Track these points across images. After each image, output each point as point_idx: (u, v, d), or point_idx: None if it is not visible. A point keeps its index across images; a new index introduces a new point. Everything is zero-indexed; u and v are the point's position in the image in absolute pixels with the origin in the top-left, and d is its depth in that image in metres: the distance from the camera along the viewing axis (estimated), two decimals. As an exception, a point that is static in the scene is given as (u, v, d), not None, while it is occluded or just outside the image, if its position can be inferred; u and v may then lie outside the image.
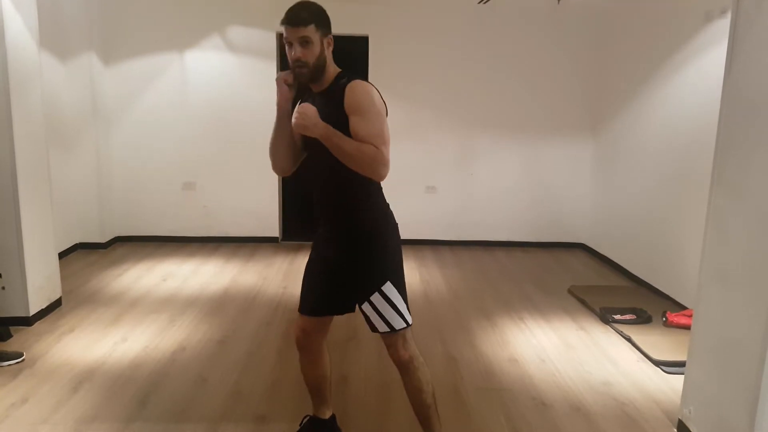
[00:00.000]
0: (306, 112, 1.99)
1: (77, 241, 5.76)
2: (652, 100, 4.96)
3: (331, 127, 2.01)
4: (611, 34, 5.82)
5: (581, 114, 6.22)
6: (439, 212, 6.30)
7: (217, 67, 5.95)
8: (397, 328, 2.18)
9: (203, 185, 6.16)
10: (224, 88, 5.99)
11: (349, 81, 2.09)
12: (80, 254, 5.63)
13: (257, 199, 6.24)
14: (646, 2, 5.09)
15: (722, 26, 3.92)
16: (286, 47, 2.07)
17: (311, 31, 2.04)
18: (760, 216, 2.21)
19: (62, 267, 4.47)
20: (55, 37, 5.27)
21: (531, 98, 6.18)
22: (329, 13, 2.15)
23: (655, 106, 4.90)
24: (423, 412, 2.30)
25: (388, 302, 2.18)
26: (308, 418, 2.56)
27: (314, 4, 2.11)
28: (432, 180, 6.29)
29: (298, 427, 2.58)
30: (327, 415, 2.54)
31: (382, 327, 2.19)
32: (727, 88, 2.47)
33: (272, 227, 6.30)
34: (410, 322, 2.23)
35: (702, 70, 4.23)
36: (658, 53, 4.83)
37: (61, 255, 5.26)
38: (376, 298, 2.17)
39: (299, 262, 5.53)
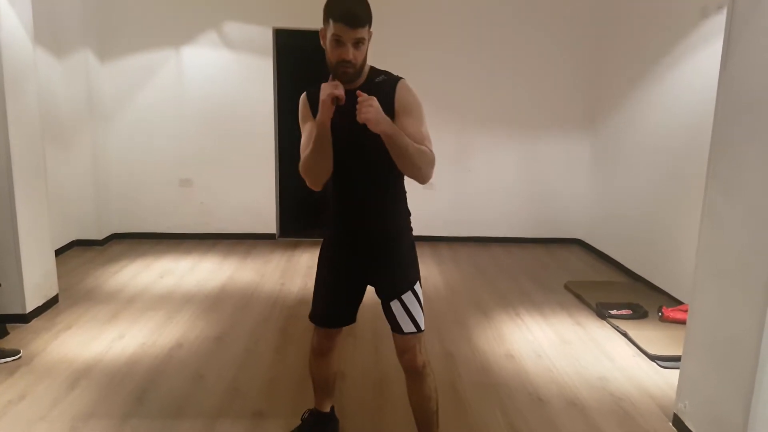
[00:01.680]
0: (375, 104, 1.82)
1: (74, 238, 5.75)
2: (648, 97, 4.97)
3: (393, 123, 1.89)
4: (608, 30, 5.82)
5: (578, 110, 6.23)
6: (437, 208, 6.30)
7: (214, 63, 5.93)
8: (422, 328, 2.16)
9: (200, 182, 6.16)
10: (221, 85, 5.97)
11: (388, 78, 2.03)
12: (77, 251, 5.62)
13: (254, 196, 6.23)
14: (643, -2, 5.09)
15: (718, 22, 3.92)
16: (330, 42, 1.87)
17: (366, 32, 1.90)
18: (754, 211, 2.22)
19: (59, 264, 4.47)
20: (50, 33, 5.25)
21: (528, 95, 6.18)
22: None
23: (652, 103, 4.90)
24: (427, 419, 2.28)
25: (417, 301, 2.16)
26: (309, 412, 2.56)
27: None
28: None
29: (296, 422, 2.59)
30: (328, 408, 2.55)
31: (409, 327, 2.14)
32: (722, 84, 2.48)
33: (269, 224, 6.30)
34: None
35: (698, 66, 4.23)
36: (655, 49, 4.83)
37: (58, 252, 5.26)
38: (407, 296, 2.14)
39: (296, 259, 5.53)
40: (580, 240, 6.41)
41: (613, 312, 4.07)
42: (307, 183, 2.04)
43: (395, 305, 2.14)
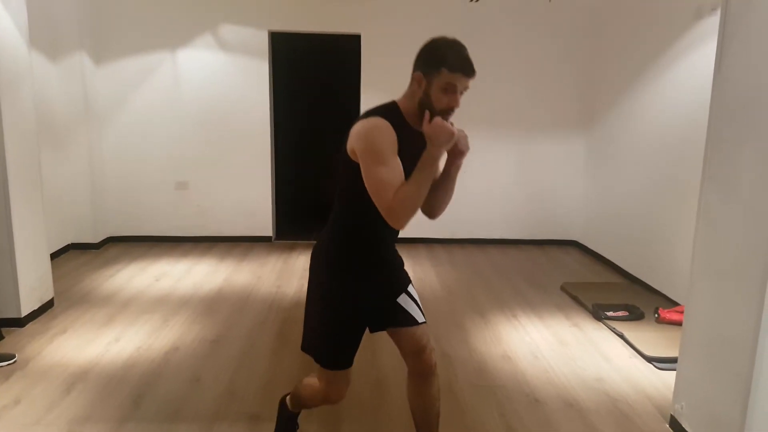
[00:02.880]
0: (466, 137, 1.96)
1: (69, 242, 5.73)
2: (644, 97, 4.98)
3: None
4: (603, 30, 5.84)
5: (574, 111, 6.24)
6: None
7: (210, 66, 5.93)
8: (426, 320, 2.20)
9: (196, 184, 6.15)
10: (217, 87, 5.97)
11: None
12: (73, 254, 5.60)
13: (251, 199, 6.22)
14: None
15: (713, 23, 3.94)
16: (440, 89, 1.85)
17: None
18: (750, 211, 2.23)
19: (54, 267, 4.45)
20: (45, 36, 5.24)
21: (523, 96, 6.19)
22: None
23: (647, 103, 4.92)
24: (430, 422, 2.25)
25: (417, 295, 2.21)
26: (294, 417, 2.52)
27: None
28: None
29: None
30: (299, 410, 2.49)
31: (420, 317, 2.16)
32: (717, 84, 2.49)
33: (266, 226, 6.29)
34: None
35: (693, 67, 4.25)
36: (650, 50, 4.85)
37: (54, 255, 5.24)
38: (410, 288, 2.18)
39: (293, 261, 5.53)
40: (577, 241, 6.42)
41: (610, 313, 4.08)
42: (395, 223, 1.82)
43: (403, 299, 2.12)
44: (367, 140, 1.83)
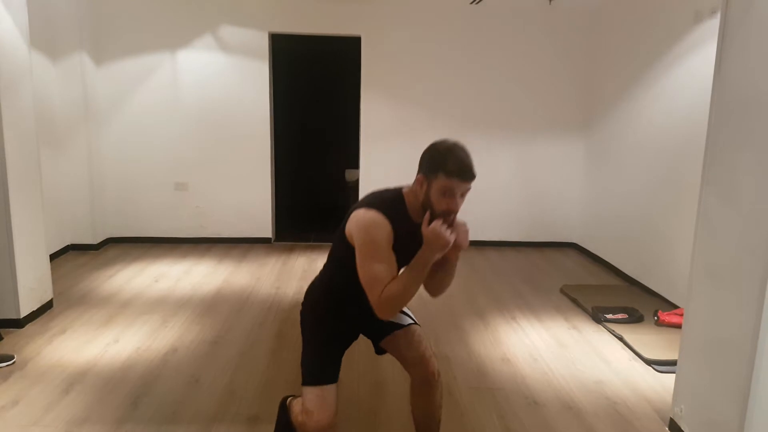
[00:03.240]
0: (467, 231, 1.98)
1: (69, 243, 5.73)
2: (643, 100, 4.99)
3: None
4: (602, 33, 5.84)
5: (573, 113, 6.25)
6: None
7: (210, 67, 5.93)
8: (418, 323, 2.24)
9: (196, 186, 6.14)
10: (217, 89, 5.97)
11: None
12: (72, 255, 5.60)
13: (250, 200, 6.22)
14: (637, 2, 5.12)
15: (712, 26, 3.94)
16: (438, 192, 1.89)
17: None
18: (749, 214, 2.23)
19: (53, 268, 4.45)
20: (45, 36, 5.24)
21: (522, 98, 6.20)
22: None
23: (646, 106, 4.92)
24: (431, 429, 2.27)
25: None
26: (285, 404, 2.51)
27: (467, 148, 2.01)
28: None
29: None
30: None
31: (405, 320, 2.22)
32: (716, 87, 2.49)
33: (265, 228, 6.29)
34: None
35: (692, 70, 4.25)
36: (649, 53, 4.86)
37: (53, 256, 5.24)
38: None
39: (292, 263, 5.53)
40: (576, 244, 6.42)
41: (609, 316, 4.08)
42: (384, 315, 1.93)
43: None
44: (366, 235, 1.92)
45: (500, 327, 4.02)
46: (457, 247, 1.93)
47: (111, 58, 5.83)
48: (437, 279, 2.07)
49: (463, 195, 1.93)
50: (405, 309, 2.32)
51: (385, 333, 2.26)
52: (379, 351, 2.33)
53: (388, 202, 1.99)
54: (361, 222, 1.94)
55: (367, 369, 3.31)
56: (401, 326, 2.23)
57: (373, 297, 1.90)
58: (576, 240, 6.42)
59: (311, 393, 2.10)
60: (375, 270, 1.90)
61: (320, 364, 2.15)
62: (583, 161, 6.29)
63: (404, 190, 2.02)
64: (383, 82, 6.06)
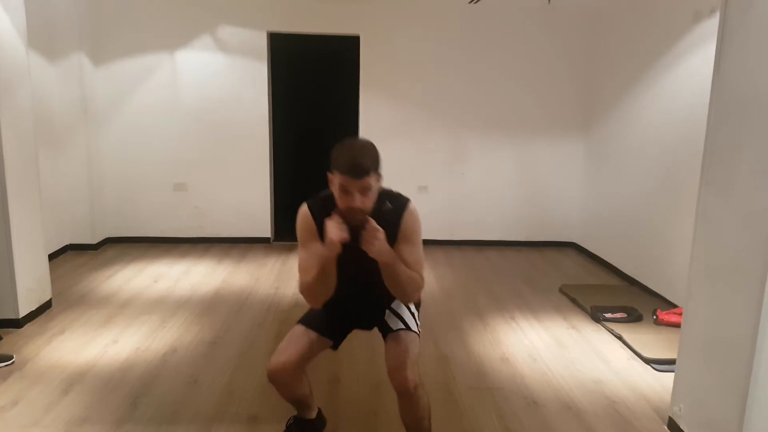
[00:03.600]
0: (380, 237, 1.92)
1: (67, 243, 5.72)
2: (642, 100, 4.99)
3: (394, 253, 2.01)
4: (602, 33, 5.85)
5: (572, 113, 6.25)
6: (431, 212, 6.30)
7: (209, 66, 5.93)
8: (413, 329, 2.25)
9: (195, 186, 6.14)
10: (215, 88, 5.96)
11: (395, 206, 2.10)
12: (70, 256, 5.59)
13: (249, 200, 6.22)
14: (636, 2, 5.12)
15: (711, 26, 3.95)
16: (338, 190, 1.95)
17: (372, 178, 1.94)
18: (748, 214, 2.23)
19: (52, 269, 4.44)
20: (44, 37, 5.23)
21: (522, 98, 6.20)
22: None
23: (645, 106, 4.93)
24: None
25: (409, 311, 2.31)
26: (293, 418, 2.54)
27: (369, 145, 2.00)
28: (424, 180, 6.29)
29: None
30: (313, 415, 2.54)
31: (397, 324, 2.24)
32: (716, 87, 2.49)
33: (264, 228, 6.29)
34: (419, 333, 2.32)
35: (691, 70, 4.26)
36: (648, 52, 4.86)
37: (51, 256, 5.23)
38: (396, 304, 2.31)
39: (291, 263, 5.52)
40: (575, 243, 6.42)
41: (608, 315, 4.08)
42: (306, 300, 2.12)
43: (387, 315, 2.24)
44: (296, 225, 2.15)
45: (499, 327, 4.02)
46: (366, 246, 1.94)
47: (110, 58, 5.82)
48: (391, 288, 2.09)
49: (362, 192, 1.93)
50: (411, 307, 2.34)
51: (382, 330, 2.32)
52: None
53: (321, 197, 2.12)
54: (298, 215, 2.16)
55: (366, 369, 3.31)
56: (390, 330, 2.26)
57: (298, 283, 2.11)
58: (575, 240, 6.43)
59: (290, 331, 2.26)
60: (301, 257, 2.12)
61: (315, 312, 2.29)
62: (583, 161, 6.30)
63: None
64: (382, 82, 6.06)
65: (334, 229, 1.91)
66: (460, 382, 3.19)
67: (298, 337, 2.24)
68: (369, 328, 2.42)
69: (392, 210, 2.10)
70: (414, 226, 2.12)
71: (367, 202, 1.95)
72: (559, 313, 4.32)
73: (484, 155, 6.29)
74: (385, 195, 2.12)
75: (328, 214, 1.98)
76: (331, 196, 2.04)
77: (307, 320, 2.32)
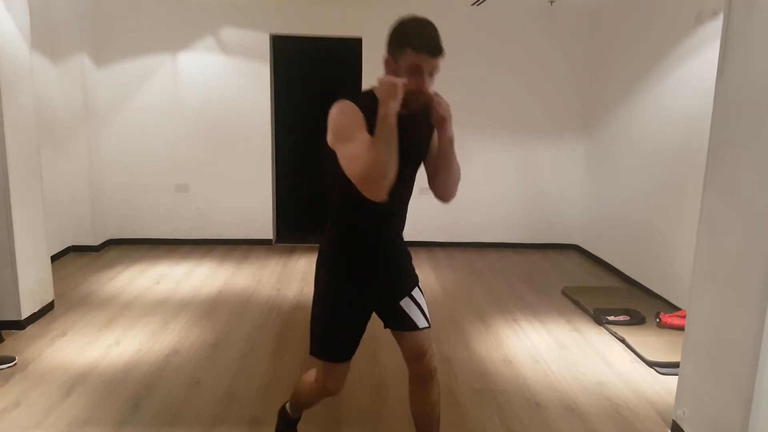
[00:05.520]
0: (451, 111, 1.84)
1: (69, 244, 5.73)
2: (644, 102, 4.98)
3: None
4: (604, 35, 5.84)
5: (574, 115, 6.24)
6: (432, 213, 6.28)
7: (211, 68, 5.93)
8: (430, 324, 2.17)
9: (196, 187, 6.14)
10: (218, 90, 5.97)
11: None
12: (72, 257, 5.60)
13: (251, 201, 6.22)
14: (638, 3, 5.11)
15: (714, 28, 3.94)
16: (407, 71, 1.81)
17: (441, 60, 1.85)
18: (751, 216, 2.23)
19: (54, 270, 4.44)
20: (46, 38, 5.24)
21: (524, 99, 6.20)
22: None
23: (648, 107, 4.92)
24: (434, 426, 2.24)
25: (423, 297, 2.19)
26: (294, 419, 2.50)
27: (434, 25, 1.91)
28: (425, 181, 6.26)
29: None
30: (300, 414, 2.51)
31: (422, 322, 2.12)
32: (719, 89, 2.48)
33: (266, 229, 6.29)
34: None
35: (694, 71, 4.25)
36: (651, 54, 4.85)
37: (54, 258, 5.23)
38: (416, 292, 2.15)
39: (293, 264, 5.52)
40: (577, 245, 6.41)
41: (611, 318, 4.07)
42: (372, 192, 1.74)
43: (405, 303, 2.12)
44: (333, 121, 1.85)
45: (501, 328, 4.01)
46: (440, 119, 1.85)
47: (112, 60, 5.83)
48: (440, 176, 2.01)
49: (431, 74, 1.86)
50: (423, 307, 2.17)
51: (396, 321, 2.14)
52: (387, 326, 2.20)
53: (356, 93, 1.94)
54: (331, 115, 1.87)
55: (367, 371, 3.31)
56: (416, 326, 2.12)
57: (355, 176, 1.74)
58: (577, 242, 6.42)
59: (324, 366, 2.12)
60: (349, 150, 1.78)
61: (335, 340, 2.08)
62: (584, 162, 6.29)
63: (374, 87, 1.92)
64: (384, 84, 6.05)
65: (390, 78, 1.77)
66: (462, 384, 3.18)
67: (337, 370, 2.15)
68: (389, 306, 2.15)
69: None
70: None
71: (431, 85, 1.86)
72: (561, 315, 4.31)
73: (485, 157, 6.29)
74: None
75: (373, 107, 1.78)
76: (364, 92, 1.92)
77: (329, 352, 2.12)
